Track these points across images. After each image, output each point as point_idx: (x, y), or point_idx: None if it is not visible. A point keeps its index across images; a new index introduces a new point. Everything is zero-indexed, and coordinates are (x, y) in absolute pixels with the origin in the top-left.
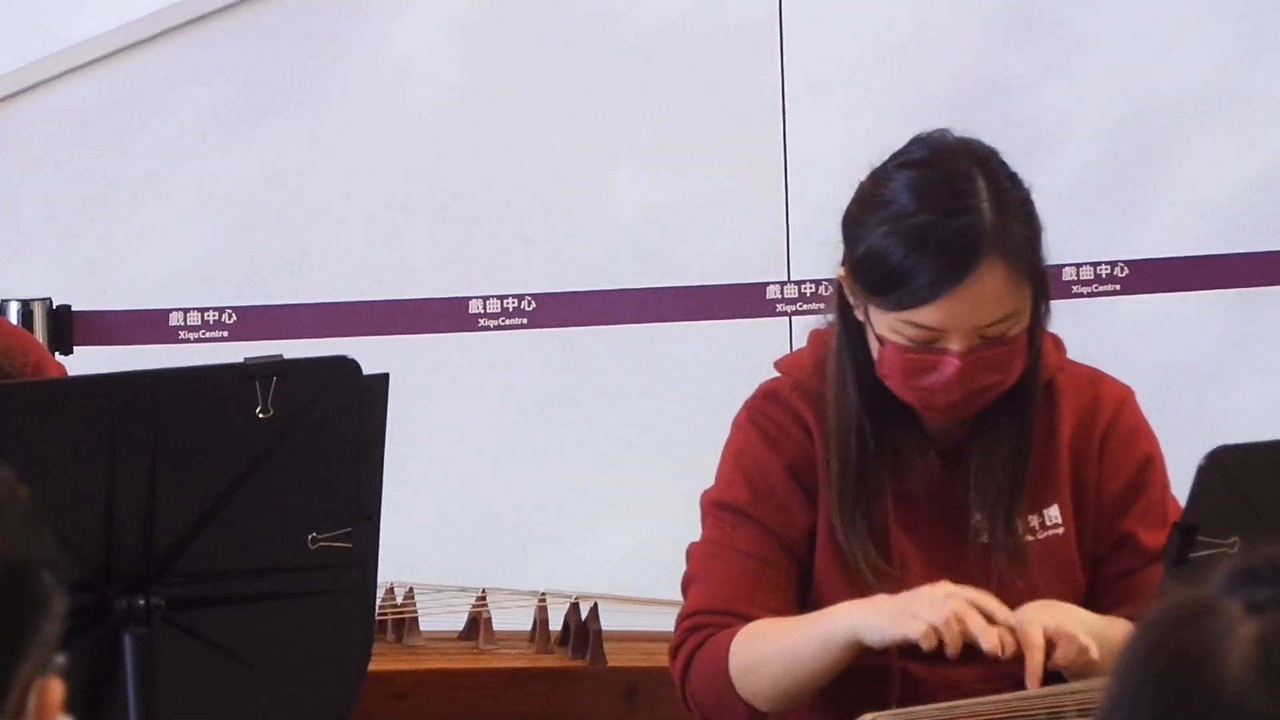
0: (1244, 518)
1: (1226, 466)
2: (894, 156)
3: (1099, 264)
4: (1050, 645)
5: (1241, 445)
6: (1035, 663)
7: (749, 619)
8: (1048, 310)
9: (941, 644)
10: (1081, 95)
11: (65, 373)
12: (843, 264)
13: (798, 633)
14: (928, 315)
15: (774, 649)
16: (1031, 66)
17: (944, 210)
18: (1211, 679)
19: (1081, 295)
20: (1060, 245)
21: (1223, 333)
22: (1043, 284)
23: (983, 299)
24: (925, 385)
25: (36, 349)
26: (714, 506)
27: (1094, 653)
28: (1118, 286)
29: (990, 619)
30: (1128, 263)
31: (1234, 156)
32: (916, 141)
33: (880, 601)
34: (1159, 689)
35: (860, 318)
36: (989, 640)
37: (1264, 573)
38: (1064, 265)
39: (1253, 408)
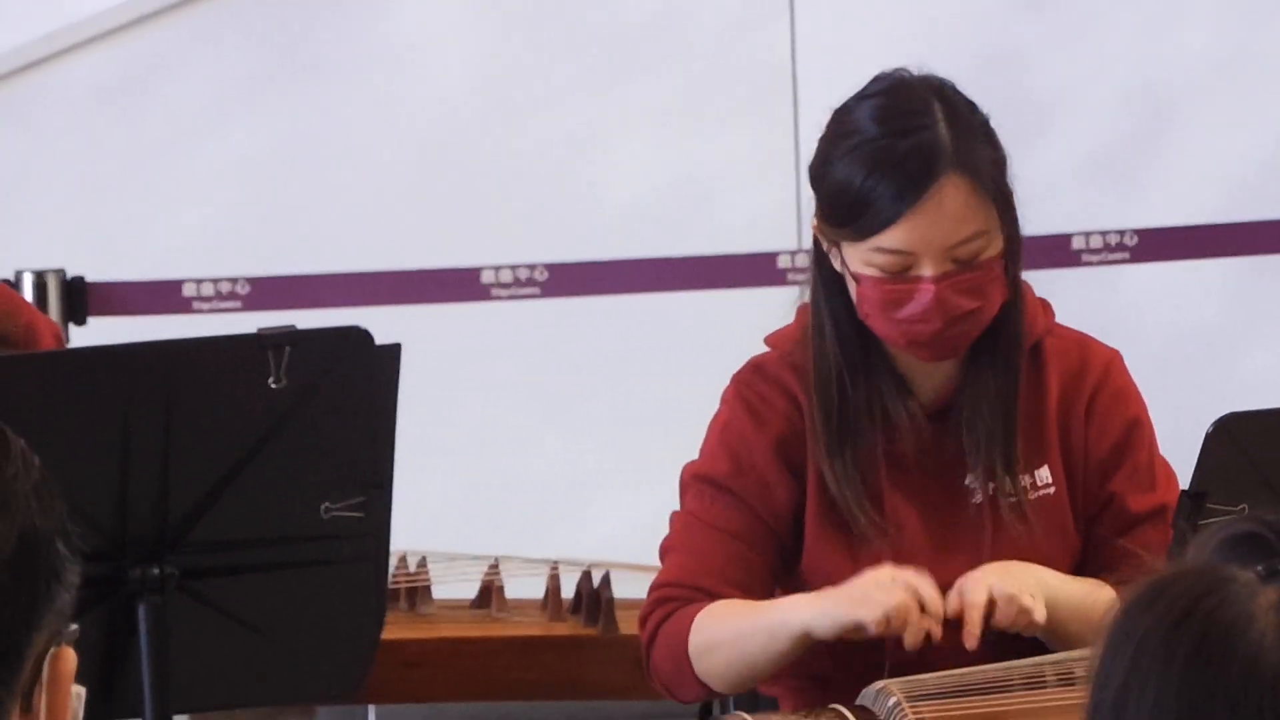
0: (1252, 484)
1: (1234, 433)
2: (855, 94)
3: (1108, 232)
4: (992, 605)
5: (1249, 412)
6: (972, 620)
7: (717, 595)
8: (1018, 235)
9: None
10: (1092, 65)
11: (59, 334)
12: (815, 215)
13: (751, 621)
14: (894, 238)
15: (729, 633)
16: (1042, 36)
17: (900, 131)
18: (1246, 652)
19: (1091, 263)
20: (1070, 214)
21: (1232, 300)
22: (1009, 205)
23: (945, 215)
24: (904, 316)
25: (28, 311)
26: (695, 479)
27: (1038, 615)
28: (1127, 255)
29: (923, 608)
30: (1137, 231)
31: (1243, 125)
32: (876, 78)
33: (829, 592)
34: (1189, 665)
35: (838, 267)
36: (910, 639)
37: (1268, 539)
38: (1073, 234)
39: (1261, 375)
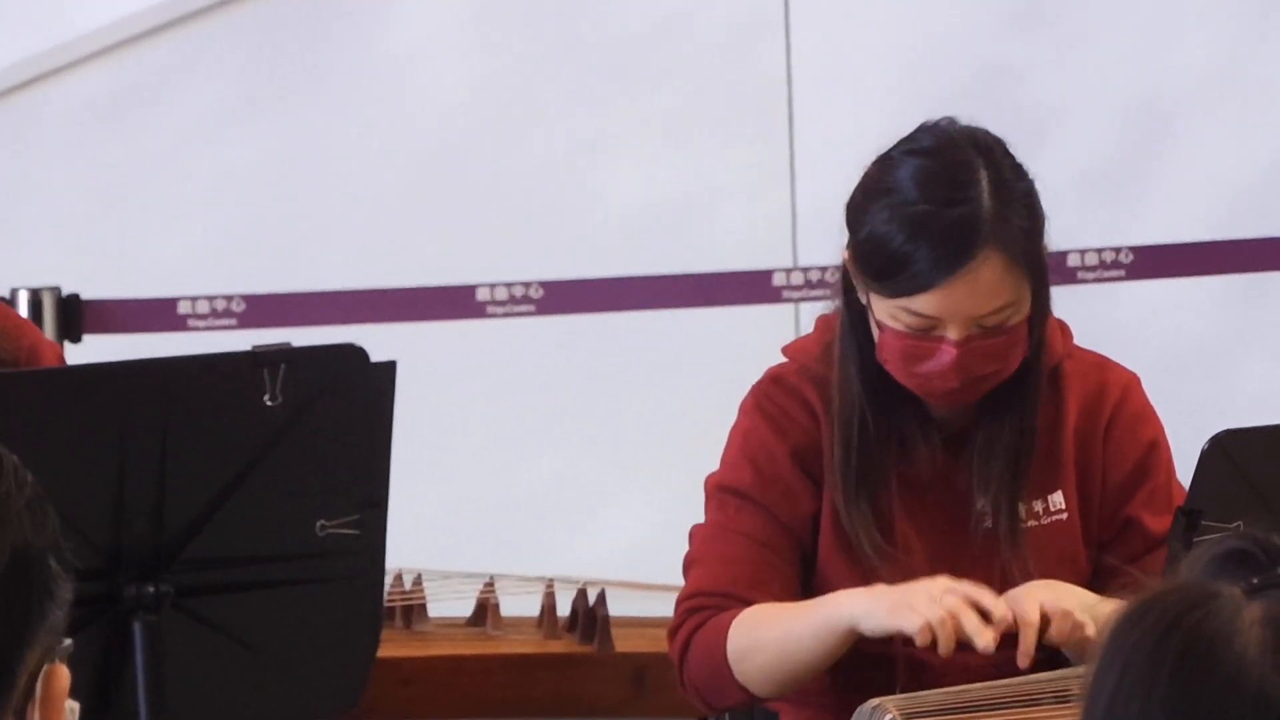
0: (1248, 501)
1: (1230, 450)
2: (900, 143)
3: (1104, 250)
4: (1045, 622)
5: (1245, 429)
6: (1029, 639)
7: (748, 603)
8: (1048, 300)
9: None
10: (1087, 81)
11: (61, 355)
12: (847, 247)
13: (796, 619)
14: (925, 303)
15: (772, 634)
16: (1037, 52)
17: (944, 200)
18: (1229, 665)
19: (1087, 281)
20: (1066, 231)
21: (1228, 318)
22: (1042, 275)
23: (979, 289)
24: (923, 372)
25: (31, 333)
26: (718, 490)
27: (1090, 630)
28: (1123, 272)
29: (986, 617)
30: (1133, 248)
31: (1239, 142)
32: (923, 130)
33: (880, 591)
34: (1174, 677)
35: (862, 299)
36: (983, 640)
37: (1256, 555)
38: (1069, 251)
39: (1257, 392)
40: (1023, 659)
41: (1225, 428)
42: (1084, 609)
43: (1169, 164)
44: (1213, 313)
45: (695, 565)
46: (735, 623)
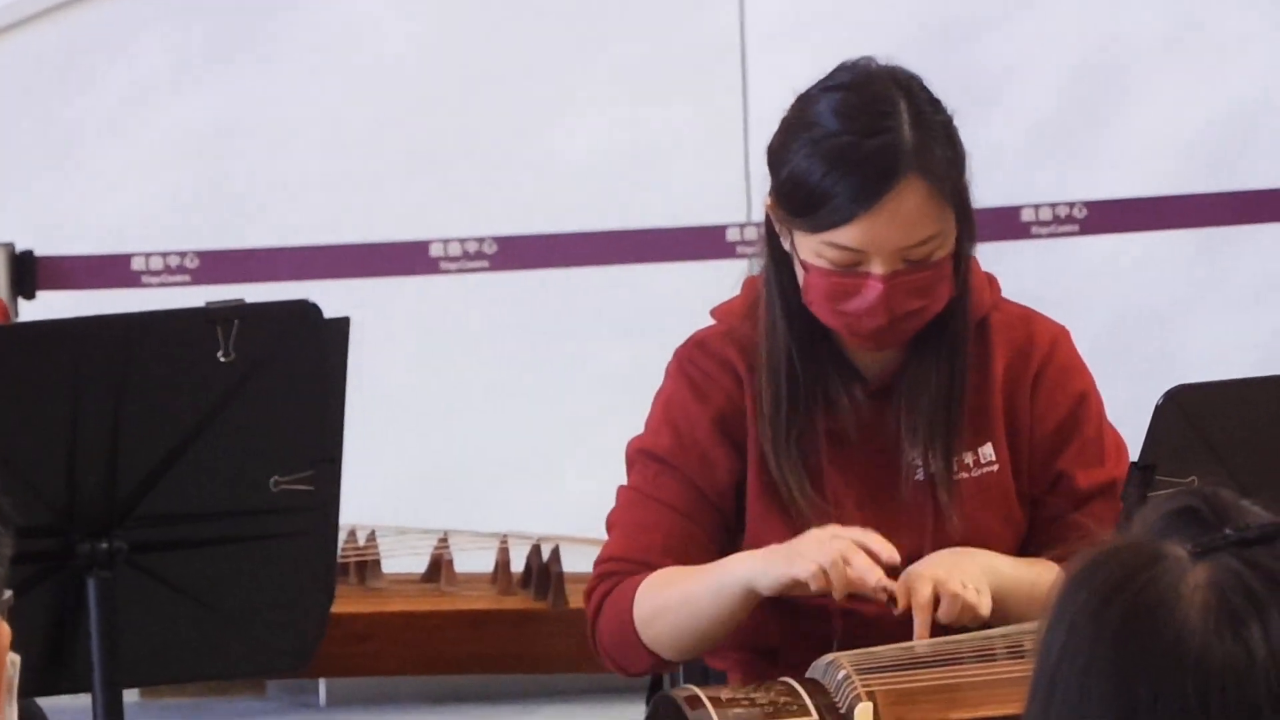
0: (1202, 456)
1: (1184, 405)
2: (818, 82)
3: (1058, 204)
4: (938, 601)
5: (1198, 384)
6: (921, 621)
7: (660, 569)
8: (972, 237)
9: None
10: (1041, 36)
11: (6, 311)
12: (769, 193)
13: (696, 582)
14: (848, 235)
15: (674, 598)
16: (992, 7)
17: (864, 130)
18: (1171, 632)
19: (1041, 236)
20: (1019, 186)
21: (1181, 273)
22: (965, 209)
23: (902, 218)
24: (850, 310)
25: None
26: (639, 454)
27: (983, 611)
28: (1077, 227)
29: (875, 559)
30: (1087, 203)
31: (1193, 98)
32: (842, 68)
33: (771, 549)
34: (1116, 642)
35: (787, 247)
36: (872, 578)
37: (1203, 515)
38: (1023, 206)
39: (1210, 347)
40: (920, 639)
41: (1179, 382)
42: (982, 582)
43: (1123, 119)
44: (1166, 267)
45: (613, 529)
46: (641, 587)
